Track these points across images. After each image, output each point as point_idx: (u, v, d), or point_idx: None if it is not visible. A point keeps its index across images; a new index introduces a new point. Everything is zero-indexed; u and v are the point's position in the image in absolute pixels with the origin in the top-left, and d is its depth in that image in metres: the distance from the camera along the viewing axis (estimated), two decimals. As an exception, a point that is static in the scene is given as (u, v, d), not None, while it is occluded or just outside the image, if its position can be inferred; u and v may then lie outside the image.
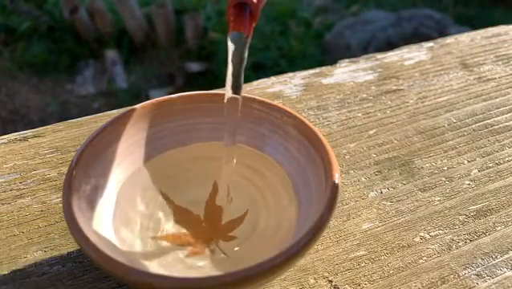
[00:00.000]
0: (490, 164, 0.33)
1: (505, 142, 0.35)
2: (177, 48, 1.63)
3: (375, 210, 0.29)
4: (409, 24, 1.56)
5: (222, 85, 0.29)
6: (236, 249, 0.25)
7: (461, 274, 0.26)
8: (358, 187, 0.31)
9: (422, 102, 0.38)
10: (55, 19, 1.62)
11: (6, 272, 0.25)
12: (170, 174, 0.27)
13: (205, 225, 0.26)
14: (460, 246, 0.27)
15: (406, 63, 0.43)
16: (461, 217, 0.29)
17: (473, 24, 1.60)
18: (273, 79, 0.40)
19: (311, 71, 0.41)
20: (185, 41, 1.62)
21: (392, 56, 0.44)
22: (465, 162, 0.33)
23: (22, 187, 0.30)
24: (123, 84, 1.51)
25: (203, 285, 0.18)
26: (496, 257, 0.27)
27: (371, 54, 0.44)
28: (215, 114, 0.28)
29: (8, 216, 0.28)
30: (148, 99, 0.28)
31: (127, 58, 1.59)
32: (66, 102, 1.45)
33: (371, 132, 0.35)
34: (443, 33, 1.39)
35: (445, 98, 0.39)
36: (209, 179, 0.28)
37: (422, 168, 0.32)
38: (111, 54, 1.57)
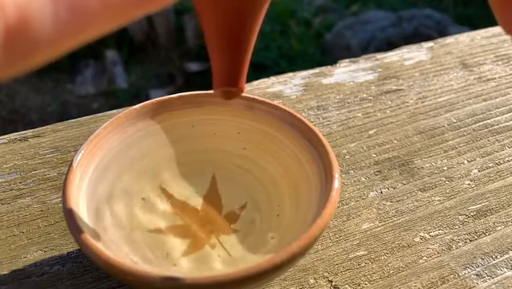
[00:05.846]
0: (490, 164, 0.33)
1: (505, 142, 0.35)
2: (177, 48, 1.63)
3: (375, 210, 0.29)
4: (409, 24, 1.56)
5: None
6: (236, 243, 0.25)
7: (461, 274, 0.26)
8: (358, 187, 0.31)
9: (422, 102, 0.38)
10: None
11: (6, 272, 0.25)
12: (169, 168, 0.28)
13: (205, 218, 0.26)
14: (460, 246, 0.27)
15: (406, 63, 0.43)
16: (461, 217, 0.29)
17: (473, 24, 1.60)
18: (273, 79, 0.40)
19: (311, 71, 0.41)
20: (185, 41, 1.62)
21: (392, 56, 0.44)
22: (465, 162, 0.33)
23: (22, 187, 0.30)
24: (123, 84, 1.51)
25: (203, 285, 0.18)
26: (496, 257, 0.27)
27: (371, 54, 0.44)
28: (215, 113, 0.28)
29: (8, 216, 0.28)
30: (148, 99, 0.28)
31: (127, 58, 1.60)
32: (66, 102, 1.45)
33: (371, 132, 0.35)
34: (443, 33, 1.40)
35: (445, 98, 0.39)
36: (207, 172, 0.28)
37: (422, 168, 0.32)
38: (111, 54, 1.57)
